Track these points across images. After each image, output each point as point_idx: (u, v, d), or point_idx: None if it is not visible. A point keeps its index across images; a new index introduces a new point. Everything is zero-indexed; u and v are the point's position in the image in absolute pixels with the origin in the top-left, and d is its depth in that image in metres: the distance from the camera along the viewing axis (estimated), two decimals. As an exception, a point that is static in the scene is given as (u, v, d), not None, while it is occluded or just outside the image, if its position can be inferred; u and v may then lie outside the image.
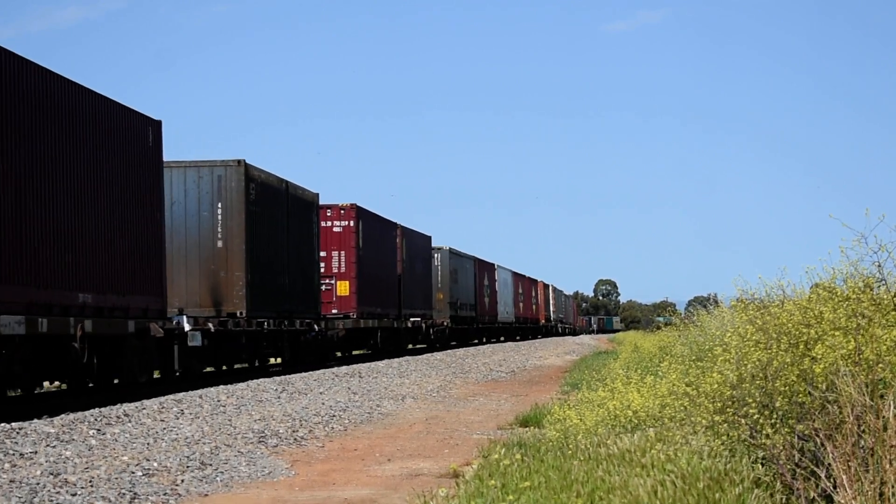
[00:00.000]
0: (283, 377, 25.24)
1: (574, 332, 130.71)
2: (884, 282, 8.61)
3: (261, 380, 24.25)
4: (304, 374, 27.00)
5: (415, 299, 47.10)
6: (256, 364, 30.34)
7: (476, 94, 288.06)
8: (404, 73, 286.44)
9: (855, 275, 8.57)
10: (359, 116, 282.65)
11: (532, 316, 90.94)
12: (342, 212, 37.38)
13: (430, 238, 51.93)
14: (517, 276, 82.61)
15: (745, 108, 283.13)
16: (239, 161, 26.73)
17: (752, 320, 8.81)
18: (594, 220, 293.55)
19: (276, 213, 29.43)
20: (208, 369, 27.50)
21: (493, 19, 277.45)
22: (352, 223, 37.34)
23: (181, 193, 26.27)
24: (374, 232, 40.17)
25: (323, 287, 35.23)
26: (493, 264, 70.28)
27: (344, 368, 29.80)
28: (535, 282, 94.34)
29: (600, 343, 70.21)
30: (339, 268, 37.07)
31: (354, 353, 41.05)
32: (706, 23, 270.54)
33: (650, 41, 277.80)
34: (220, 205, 26.45)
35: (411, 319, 46.02)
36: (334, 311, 36.44)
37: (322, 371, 28.37)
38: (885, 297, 8.43)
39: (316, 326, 32.82)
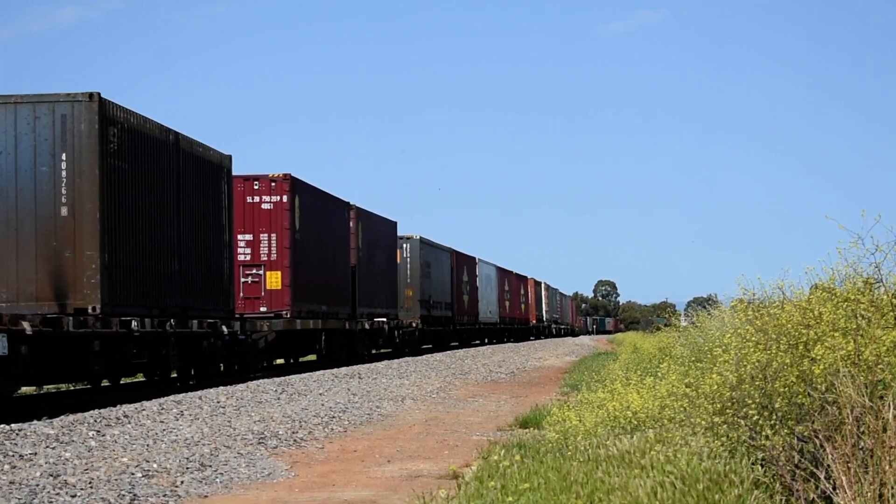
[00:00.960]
0: (283, 378, 25.11)
1: (573, 333, 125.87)
2: (882, 283, 8.62)
3: (260, 381, 24.22)
4: (303, 374, 26.91)
5: (375, 296, 39.90)
6: (148, 376, 24.49)
7: (475, 94, 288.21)
8: (404, 74, 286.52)
9: (853, 276, 8.58)
10: (360, 117, 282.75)
11: (521, 316, 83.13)
12: (273, 185, 30.07)
13: (395, 224, 44.17)
14: (503, 272, 74.90)
15: (744, 108, 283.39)
16: (91, 94, 19.29)
17: (751, 321, 8.81)
18: (594, 221, 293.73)
19: (159, 174, 22.02)
20: (28, 389, 21.83)
21: (491, 20, 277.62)
22: (285, 199, 29.99)
23: (8, 140, 19.24)
24: (317, 211, 32.66)
25: (248, 279, 29.28)
26: (473, 258, 63.36)
27: (343, 369, 29.67)
28: (524, 279, 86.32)
29: (599, 344, 70.22)
30: (268, 254, 29.75)
31: (300, 360, 34.44)
32: (705, 23, 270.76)
33: (649, 41, 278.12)
34: (63, 156, 19.16)
35: (375, 319, 39.55)
36: (263, 308, 29.47)
37: (322, 372, 28.26)
38: (883, 297, 8.43)
39: (225, 328, 25.12)
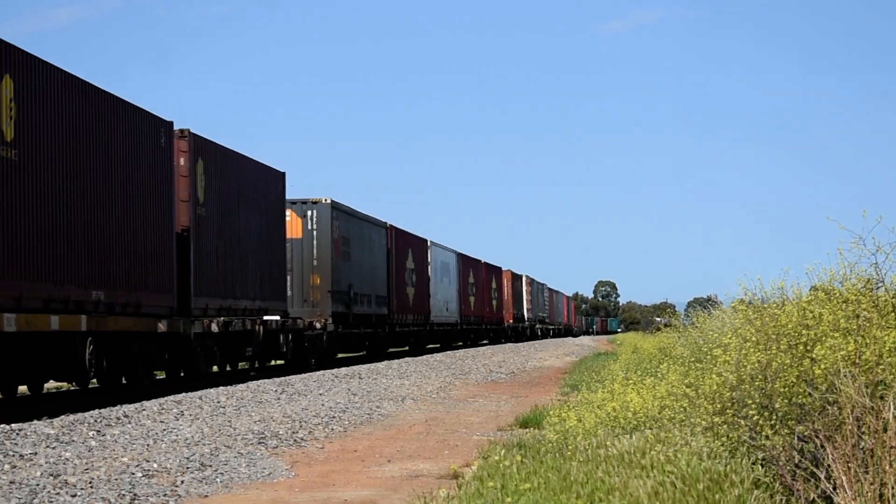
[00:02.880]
0: (283, 378, 25.05)
1: (571, 334, 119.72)
2: (882, 283, 8.62)
3: (261, 381, 24.22)
4: (303, 375, 26.92)
5: (237, 280, 26.73)
6: None
7: (474, 94, 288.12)
8: (402, 75, 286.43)
9: (852, 276, 8.58)
10: (357, 109, 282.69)
11: (491, 314, 68.89)
12: None
13: (282, 176, 30.86)
14: (467, 261, 61.17)
15: (743, 108, 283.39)
16: None
17: (751, 321, 8.82)
18: (594, 221, 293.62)
19: None
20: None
21: (488, 19, 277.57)
22: None
23: None
24: (77, 120, 19.09)
25: None
26: (424, 240, 50.23)
27: (344, 370, 29.58)
28: (496, 270, 72.05)
29: (600, 345, 70.21)
30: None
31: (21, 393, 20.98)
32: (703, 23, 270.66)
33: (646, 41, 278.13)
34: None
35: (240, 318, 26.29)
36: None
37: (322, 372, 28.27)
38: (884, 298, 8.43)
39: None
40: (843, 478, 7.06)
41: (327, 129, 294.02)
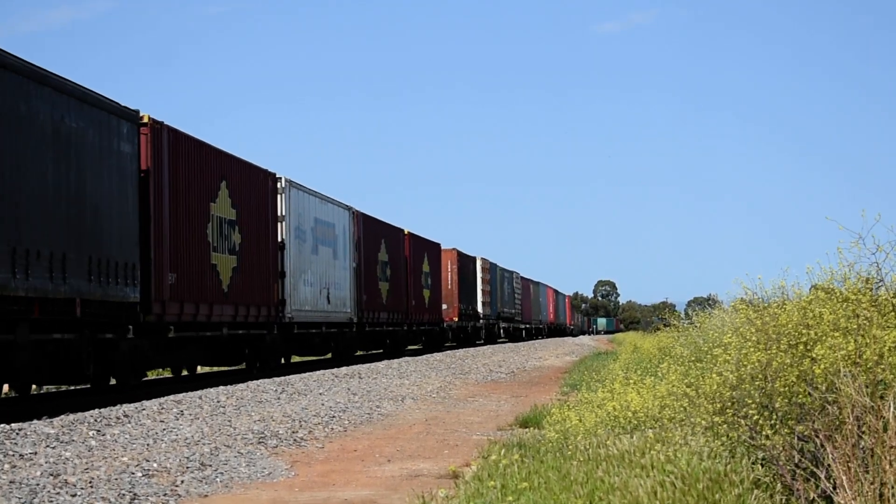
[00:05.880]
0: (282, 377, 25.09)
1: (563, 334, 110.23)
2: (882, 283, 8.62)
3: (261, 381, 24.23)
4: (303, 374, 26.93)
5: None
6: None
7: (472, 94, 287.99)
8: (397, 74, 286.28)
9: (852, 276, 8.58)
10: (353, 110, 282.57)
11: (420, 310, 48.60)
12: None
13: None
14: (372, 227, 40.73)
15: (741, 107, 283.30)
16: None
17: (751, 321, 8.82)
18: (594, 221, 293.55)
19: None
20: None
21: (485, 20, 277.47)
22: None
23: None
24: None
25: None
26: (267, 172, 29.44)
27: (344, 370, 29.64)
28: (430, 246, 51.60)
29: (600, 344, 70.23)
30: None
31: None
32: (700, 23, 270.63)
33: (642, 42, 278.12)
34: None
35: None
36: None
37: (322, 372, 28.29)
38: (884, 297, 8.43)
39: None
40: (843, 477, 7.06)
41: (321, 124, 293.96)
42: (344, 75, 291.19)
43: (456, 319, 56.62)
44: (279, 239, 30.42)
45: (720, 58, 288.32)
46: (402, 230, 45.25)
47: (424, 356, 40.70)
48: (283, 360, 32.17)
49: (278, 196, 30.46)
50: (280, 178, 30.57)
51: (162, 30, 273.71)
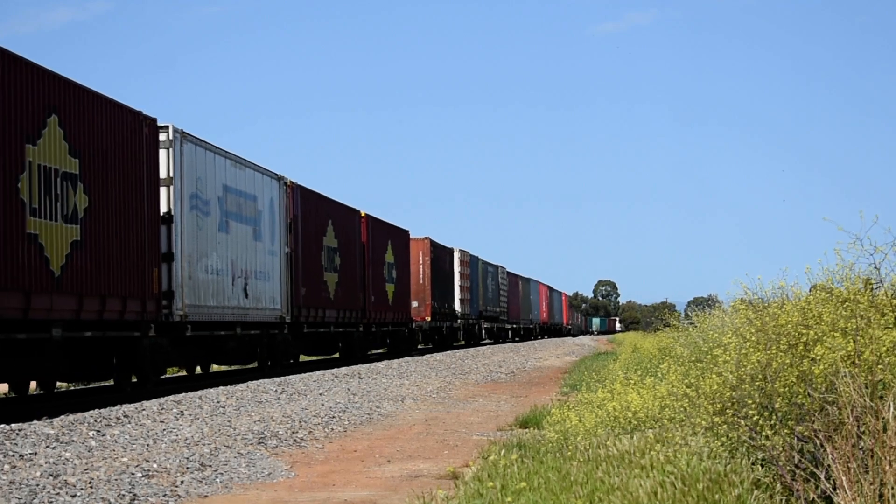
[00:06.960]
0: (282, 378, 25.10)
1: (561, 334, 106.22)
2: (881, 283, 8.63)
3: (260, 381, 24.22)
4: (303, 374, 26.93)
5: None
6: None
7: (471, 95, 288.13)
8: (402, 74, 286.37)
9: (850, 276, 8.59)
10: (358, 115, 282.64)
11: (383, 308, 41.06)
12: None
13: None
14: (320, 204, 33.65)
15: (742, 107, 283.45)
16: None
17: (751, 321, 8.81)
18: (594, 221, 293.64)
19: None
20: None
21: (483, 21, 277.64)
22: None
23: None
24: None
25: None
26: (154, 120, 21.85)
27: (343, 370, 29.68)
28: (396, 232, 44.15)
29: (600, 344, 70.24)
30: None
31: None
32: (697, 25, 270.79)
33: (641, 42, 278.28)
34: None
35: None
36: None
37: (321, 372, 28.29)
38: (883, 298, 8.44)
39: None
40: (843, 478, 7.06)
41: (325, 131, 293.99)
42: (340, 74, 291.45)
43: (429, 319, 49.24)
44: (163, 209, 22.42)
45: (720, 58, 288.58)
46: (358, 211, 37.77)
47: (425, 356, 40.68)
48: (173, 372, 25.88)
49: (161, 151, 22.33)
50: (166, 126, 22.56)
51: (162, 31, 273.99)
